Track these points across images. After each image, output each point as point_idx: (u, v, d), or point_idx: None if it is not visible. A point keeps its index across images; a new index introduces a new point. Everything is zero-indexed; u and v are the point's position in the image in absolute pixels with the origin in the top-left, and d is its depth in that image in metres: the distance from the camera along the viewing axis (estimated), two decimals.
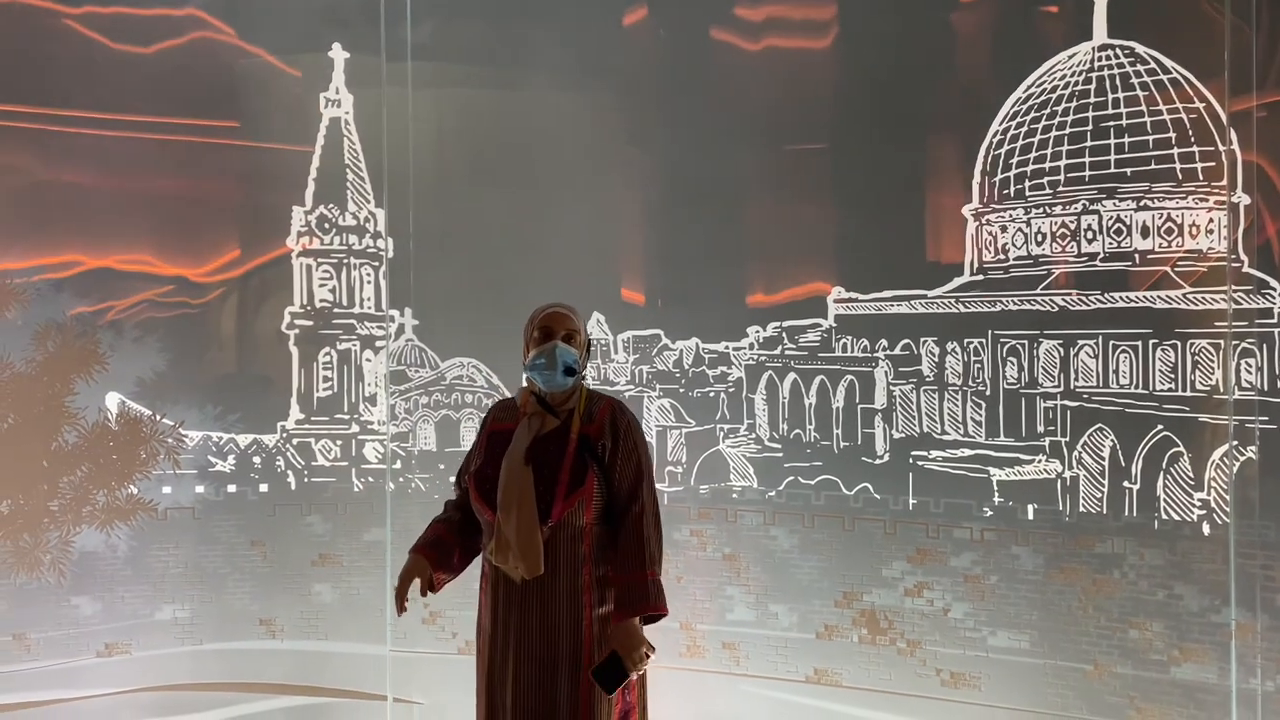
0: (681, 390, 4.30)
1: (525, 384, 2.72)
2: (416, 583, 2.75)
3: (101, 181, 4.39)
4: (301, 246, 4.62)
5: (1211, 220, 3.44)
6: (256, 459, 4.55)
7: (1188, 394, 3.44)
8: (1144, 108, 3.53)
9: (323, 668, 4.48)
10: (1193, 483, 3.42)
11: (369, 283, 4.65)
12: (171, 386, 4.42)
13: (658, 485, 4.24)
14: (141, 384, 4.40)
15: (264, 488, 4.55)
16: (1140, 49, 3.57)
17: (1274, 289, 3.26)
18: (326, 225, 4.62)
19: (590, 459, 2.59)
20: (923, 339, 3.91)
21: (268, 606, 4.51)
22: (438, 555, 2.74)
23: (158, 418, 4.40)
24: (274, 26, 4.57)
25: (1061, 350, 3.67)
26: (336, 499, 4.56)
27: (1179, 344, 3.46)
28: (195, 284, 4.49)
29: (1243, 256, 3.35)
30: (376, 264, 4.64)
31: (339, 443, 4.59)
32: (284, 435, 4.58)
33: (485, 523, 2.66)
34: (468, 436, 4.54)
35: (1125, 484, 3.55)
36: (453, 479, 2.90)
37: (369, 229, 4.64)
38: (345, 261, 4.64)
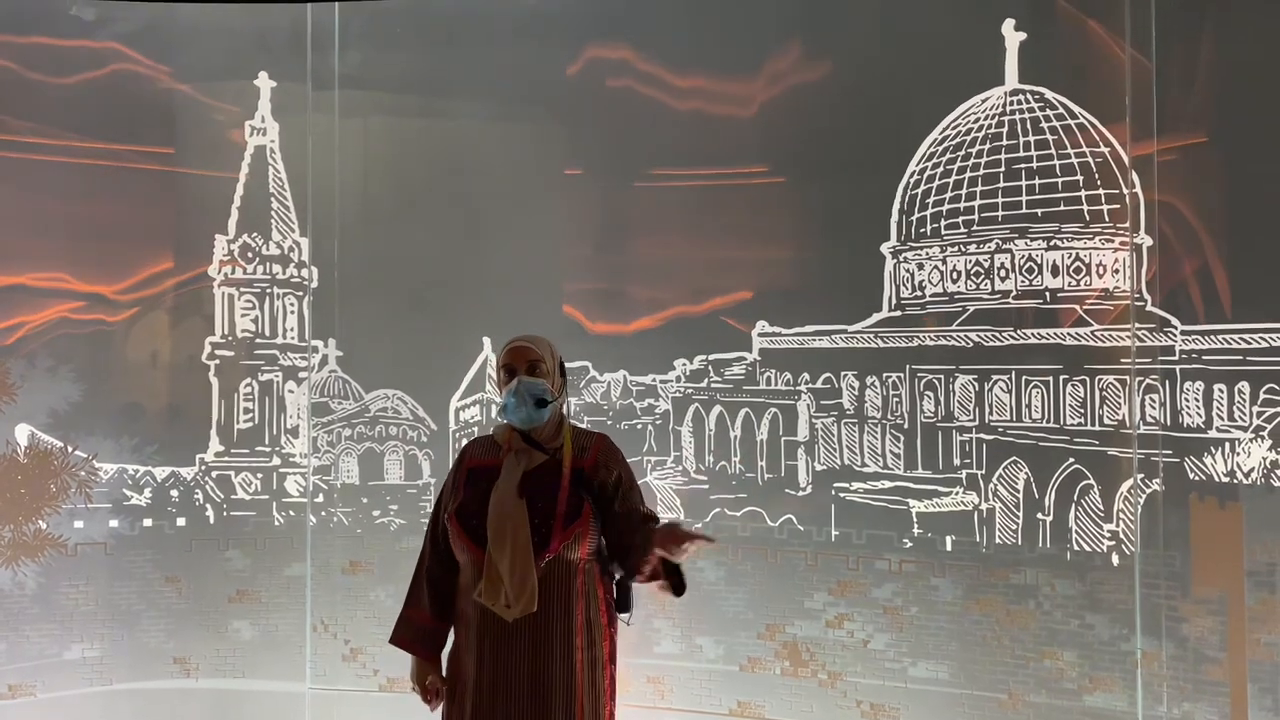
0: (609, 422, 4.30)
1: (505, 422, 2.64)
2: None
3: (16, 203, 4.29)
4: (224, 275, 4.55)
5: (1117, 260, 3.57)
6: (174, 492, 4.45)
7: (1096, 428, 3.55)
8: (1053, 151, 3.66)
9: (240, 707, 4.37)
10: (1102, 514, 3.52)
11: (292, 313, 4.59)
12: (85, 417, 4.31)
13: None
14: (54, 415, 4.28)
15: (181, 522, 4.45)
16: (1049, 94, 3.69)
17: (1175, 327, 3.38)
18: (250, 254, 4.55)
19: (584, 493, 2.53)
20: (843, 373, 3.97)
21: (183, 644, 4.40)
22: (431, 649, 2.66)
23: (70, 450, 4.28)
24: (199, 54, 4.52)
25: (976, 385, 3.76)
26: (256, 533, 4.47)
27: (1088, 380, 3.57)
28: (111, 301, 4.40)
29: (1146, 296, 3.47)
30: (300, 294, 4.59)
31: (259, 476, 4.50)
32: (203, 468, 4.48)
33: (469, 561, 2.55)
34: (392, 469, 4.49)
35: (1039, 516, 3.63)
36: (425, 527, 2.74)
37: (293, 258, 4.59)
38: (268, 291, 4.58)
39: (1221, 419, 3.28)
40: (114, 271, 4.41)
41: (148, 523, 4.41)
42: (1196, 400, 3.32)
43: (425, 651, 2.66)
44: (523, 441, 2.58)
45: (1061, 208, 3.63)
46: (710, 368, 4.20)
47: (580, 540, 2.51)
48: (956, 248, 3.83)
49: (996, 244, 3.75)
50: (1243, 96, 3.30)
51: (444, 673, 2.66)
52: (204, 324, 4.53)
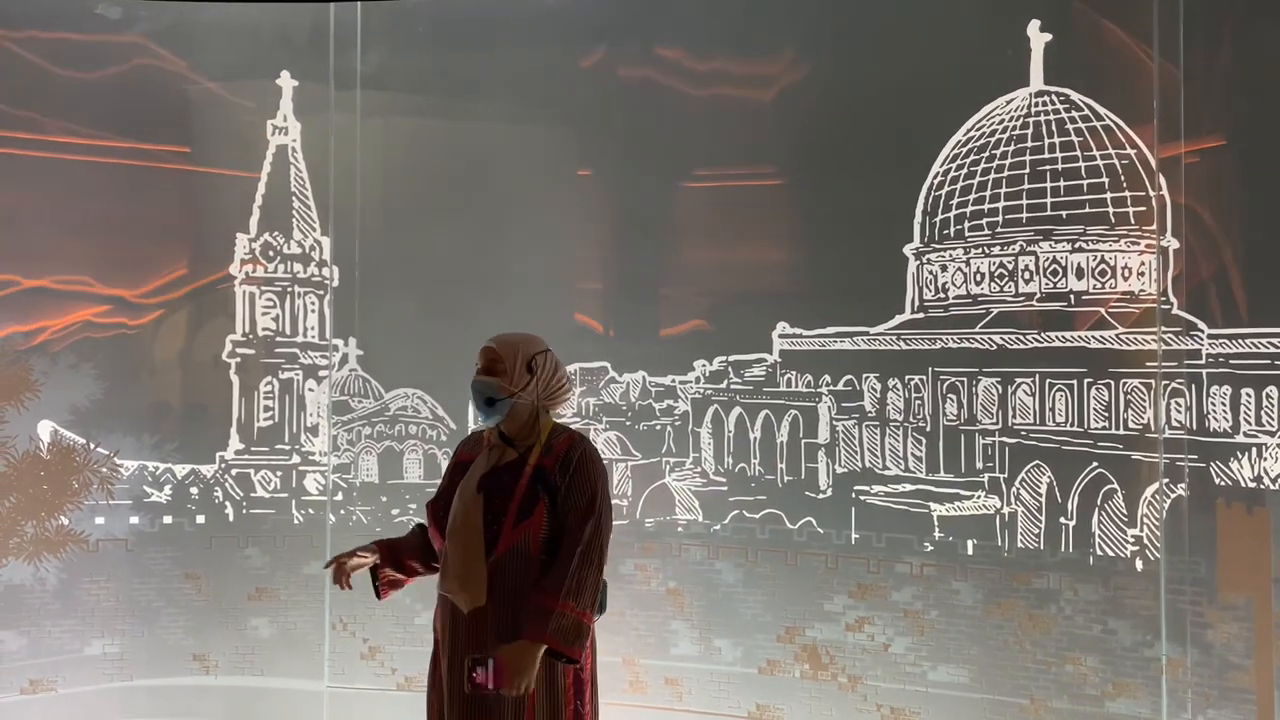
0: (628, 423, 4.30)
1: None
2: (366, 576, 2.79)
3: (40, 203, 4.32)
4: (245, 274, 4.56)
5: (1143, 263, 3.54)
6: (194, 489, 4.46)
7: (1121, 432, 3.52)
8: (1078, 153, 3.63)
9: (258, 704, 4.38)
10: (1126, 519, 3.49)
11: (313, 311, 4.60)
12: (107, 414, 4.34)
13: None
14: (76, 411, 4.30)
15: (201, 519, 4.46)
16: (1075, 96, 3.67)
17: (1201, 330, 3.35)
18: (271, 253, 4.57)
19: (543, 491, 2.58)
20: (865, 375, 3.95)
21: (202, 641, 4.41)
22: (390, 552, 2.76)
23: (92, 446, 4.30)
24: (222, 53, 4.54)
25: (999, 388, 3.73)
26: (276, 531, 4.48)
27: (1112, 383, 3.54)
28: (133, 304, 4.42)
29: (1172, 299, 3.44)
30: (321, 293, 4.60)
31: (279, 474, 4.52)
32: (223, 465, 4.50)
33: (438, 550, 2.68)
34: (411, 468, 4.50)
35: (1062, 520, 3.61)
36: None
37: (314, 257, 4.60)
38: (289, 290, 4.59)
39: (1249, 423, 3.24)
40: (136, 274, 4.43)
41: (168, 520, 4.43)
42: (1223, 404, 3.29)
43: (381, 543, 2.78)
44: (498, 438, 2.66)
45: (1086, 210, 3.61)
46: (730, 369, 4.19)
47: (532, 538, 2.55)
48: (980, 250, 3.80)
49: (1021, 246, 3.72)
50: (1267, 100, 3.27)
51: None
52: (225, 322, 4.55)
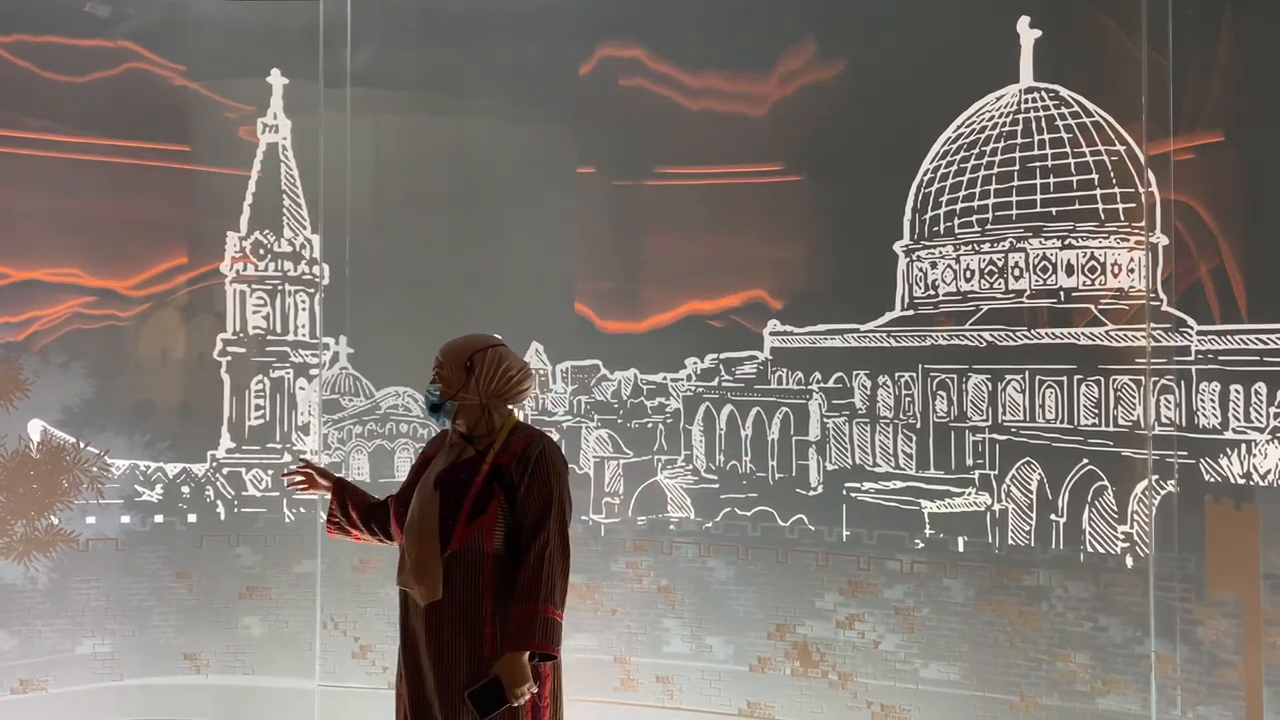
0: (619, 421, 4.29)
1: None
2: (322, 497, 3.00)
3: (30, 200, 4.31)
4: (235, 272, 4.56)
5: (1132, 259, 3.54)
6: (185, 488, 4.46)
7: (1110, 429, 3.52)
8: (1068, 149, 3.63)
9: (249, 703, 4.38)
10: (1116, 516, 3.49)
11: (304, 310, 4.59)
12: (98, 413, 4.33)
13: (595, 516, 4.28)
14: (67, 411, 4.29)
15: (192, 518, 4.45)
16: (1064, 92, 3.67)
17: (1191, 327, 3.35)
18: (262, 251, 4.56)
19: (499, 488, 2.61)
20: (855, 372, 3.96)
21: (193, 640, 4.41)
22: (340, 494, 2.94)
23: (82, 445, 4.29)
24: (212, 51, 4.53)
25: (989, 385, 3.73)
26: (267, 530, 4.48)
27: (1102, 380, 3.54)
28: (124, 296, 4.41)
29: (1161, 295, 3.44)
30: (311, 291, 4.59)
31: (270, 472, 4.51)
32: (214, 464, 4.49)
33: (398, 543, 2.74)
34: (402, 467, 4.49)
35: (1052, 517, 3.61)
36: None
37: (304, 255, 4.59)
38: (280, 288, 4.58)
39: (1238, 420, 3.25)
40: (126, 267, 4.43)
41: (159, 519, 4.42)
42: (1212, 401, 3.29)
43: (341, 480, 3.00)
44: (459, 436, 2.70)
45: (1076, 206, 3.61)
46: (722, 366, 4.18)
47: (485, 534, 2.58)
48: (970, 246, 3.80)
49: (1010, 243, 3.72)
50: (1260, 96, 3.27)
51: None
52: (215, 321, 4.54)
